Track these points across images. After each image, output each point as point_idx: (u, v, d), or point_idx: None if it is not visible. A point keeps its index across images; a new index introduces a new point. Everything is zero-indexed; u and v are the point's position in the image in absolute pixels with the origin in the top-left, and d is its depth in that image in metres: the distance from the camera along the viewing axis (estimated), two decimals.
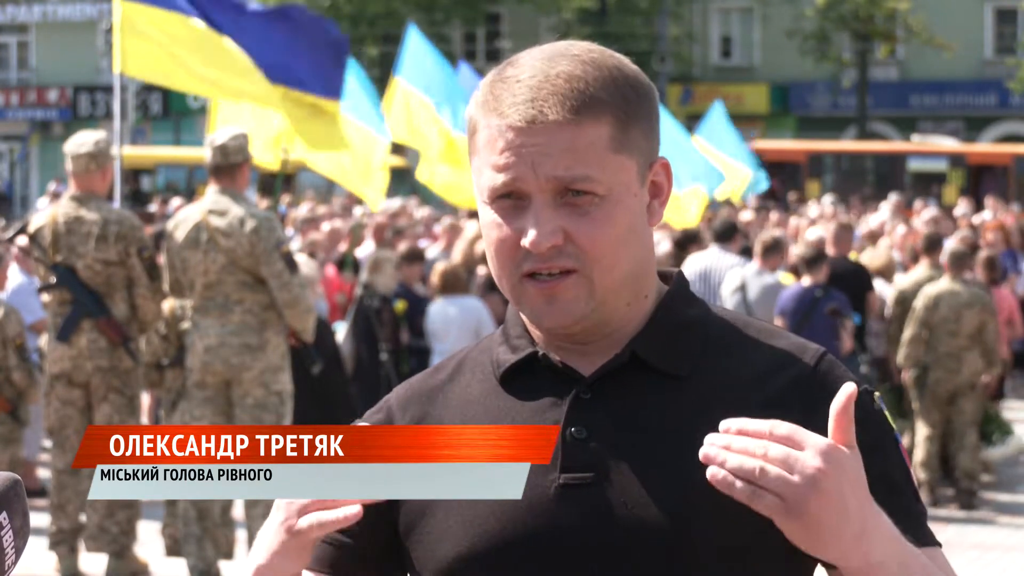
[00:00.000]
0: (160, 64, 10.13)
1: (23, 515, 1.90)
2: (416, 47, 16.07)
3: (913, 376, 12.44)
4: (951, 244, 13.24)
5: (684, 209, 18.10)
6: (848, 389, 1.86)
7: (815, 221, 18.85)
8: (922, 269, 12.96)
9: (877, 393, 2.09)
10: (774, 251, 12.26)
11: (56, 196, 24.33)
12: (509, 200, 2.03)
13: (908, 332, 12.39)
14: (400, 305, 11.88)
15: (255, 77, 10.27)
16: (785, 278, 12.64)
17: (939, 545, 2.08)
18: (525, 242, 2.01)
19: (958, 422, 12.43)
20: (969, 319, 12.23)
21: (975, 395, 12.42)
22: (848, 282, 12.59)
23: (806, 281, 11.91)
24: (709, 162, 18.83)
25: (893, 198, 23.91)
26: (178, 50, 10.01)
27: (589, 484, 2.01)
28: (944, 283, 12.37)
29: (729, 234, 12.77)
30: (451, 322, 11.31)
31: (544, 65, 2.04)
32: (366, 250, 16.82)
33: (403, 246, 14.11)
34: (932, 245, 12.97)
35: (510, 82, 2.04)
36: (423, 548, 2.08)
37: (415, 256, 12.92)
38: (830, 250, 13.19)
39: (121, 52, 9.77)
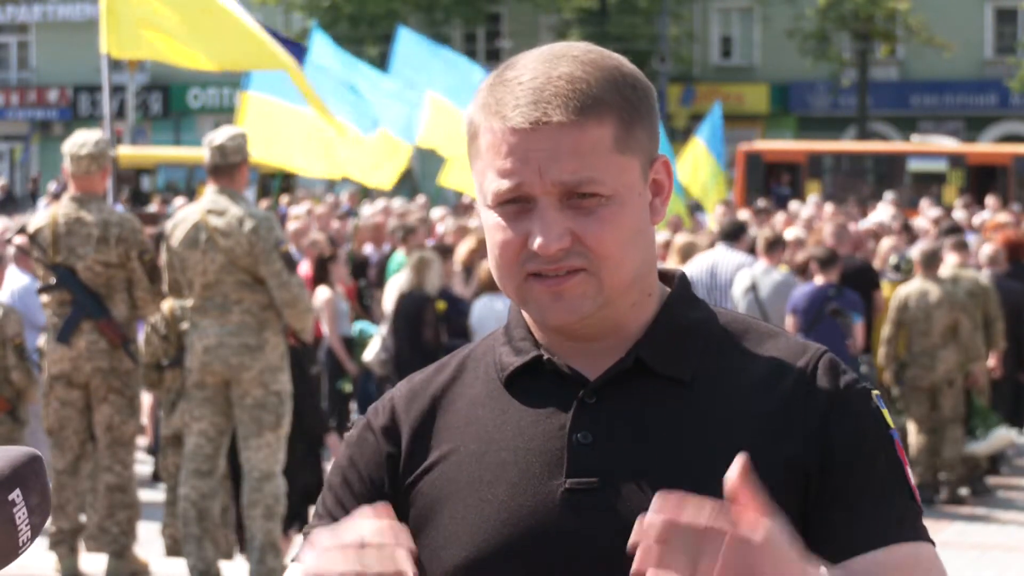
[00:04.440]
0: (148, 41, 9.84)
1: (41, 492, 1.86)
2: (408, 46, 16.04)
3: (891, 373, 12.56)
4: (924, 244, 13.28)
5: None
6: (740, 460, 1.72)
7: (810, 222, 18.83)
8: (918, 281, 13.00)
9: (876, 392, 2.09)
10: (777, 247, 12.30)
11: (56, 197, 24.31)
12: (514, 204, 2.02)
13: (883, 332, 12.54)
14: (441, 305, 11.85)
15: (250, 38, 9.84)
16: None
17: (929, 542, 2.05)
18: (533, 246, 2.00)
19: (939, 418, 12.54)
20: (939, 318, 12.34)
21: (953, 392, 12.53)
22: (854, 281, 12.61)
23: (819, 280, 11.97)
24: None
25: (889, 197, 23.91)
26: (166, 21, 9.71)
27: (595, 489, 2.01)
28: (916, 283, 12.48)
29: (737, 233, 12.78)
30: (496, 318, 11.25)
31: (545, 67, 2.03)
32: (364, 251, 16.82)
33: (428, 244, 14.00)
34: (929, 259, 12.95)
35: (511, 84, 2.03)
36: (429, 552, 2.08)
37: (445, 252, 12.75)
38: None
39: (107, 32, 9.58)
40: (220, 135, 8.50)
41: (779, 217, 20.46)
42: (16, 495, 1.84)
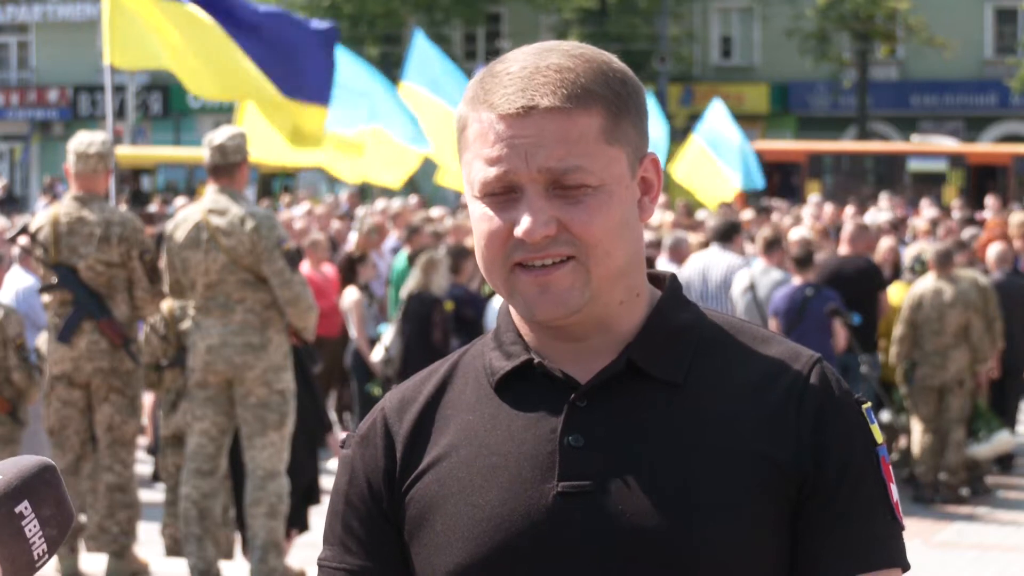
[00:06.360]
0: (151, 51, 9.85)
1: (56, 503, 1.80)
2: (423, 51, 16.08)
3: (902, 372, 12.57)
4: (937, 244, 13.28)
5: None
6: None
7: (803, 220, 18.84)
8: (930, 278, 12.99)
9: (867, 404, 2.08)
10: (776, 246, 12.27)
11: (54, 196, 24.28)
12: (501, 194, 2.01)
13: (896, 330, 12.52)
14: (449, 305, 11.79)
15: (247, 74, 9.97)
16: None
17: (901, 567, 2.04)
18: (518, 231, 1.99)
19: (945, 419, 12.53)
20: (952, 318, 12.33)
21: (962, 392, 12.53)
22: (859, 281, 12.61)
23: (797, 280, 11.91)
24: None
25: (884, 198, 23.99)
26: (170, 37, 9.74)
27: (587, 492, 2.00)
28: (929, 282, 12.46)
29: (729, 234, 12.77)
30: None
31: (534, 59, 2.04)
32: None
33: (442, 245, 13.91)
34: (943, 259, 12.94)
35: (500, 75, 2.04)
36: (423, 558, 2.08)
37: (464, 254, 12.70)
38: (844, 249, 13.20)
39: (110, 44, 9.59)
40: (220, 135, 8.51)
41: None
42: (24, 507, 1.78)
